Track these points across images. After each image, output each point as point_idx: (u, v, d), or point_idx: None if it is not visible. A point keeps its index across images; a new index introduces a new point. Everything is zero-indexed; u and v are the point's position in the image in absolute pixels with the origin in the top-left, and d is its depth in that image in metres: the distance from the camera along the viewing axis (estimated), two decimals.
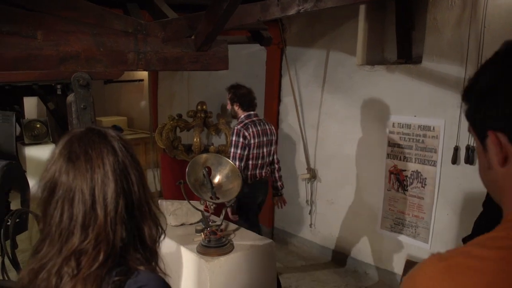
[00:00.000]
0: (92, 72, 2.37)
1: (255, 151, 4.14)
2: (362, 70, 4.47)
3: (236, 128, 4.09)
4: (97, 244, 1.08)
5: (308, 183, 5.20)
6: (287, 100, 5.42)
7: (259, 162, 4.21)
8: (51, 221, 1.11)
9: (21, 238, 2.82)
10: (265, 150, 4.25)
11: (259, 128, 4.19)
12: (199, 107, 5.92)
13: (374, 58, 4.53)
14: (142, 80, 8.48)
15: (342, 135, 4.77)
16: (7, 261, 2.80)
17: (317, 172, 5.14)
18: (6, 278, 2.66)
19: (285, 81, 5.40)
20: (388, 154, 4.29)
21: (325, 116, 4.95)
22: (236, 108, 4.25)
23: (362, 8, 4.39)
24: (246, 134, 4.06)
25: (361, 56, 4.52)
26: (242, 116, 4.22)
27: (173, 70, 2.85)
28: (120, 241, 1.11)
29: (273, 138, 4.36)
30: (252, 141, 4.08)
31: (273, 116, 5.58)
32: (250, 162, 4.15)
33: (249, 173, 4.15)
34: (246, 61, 5.80)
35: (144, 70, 2.69)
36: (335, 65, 4.80)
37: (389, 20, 4.37)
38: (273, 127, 4.40)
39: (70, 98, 2.35)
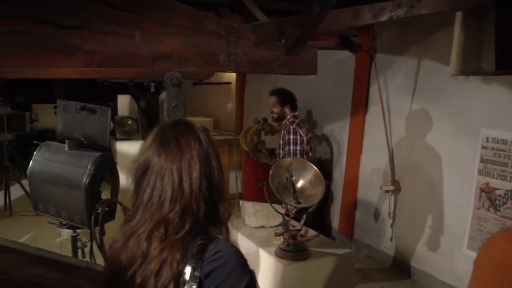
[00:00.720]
0: (184, 72, 2.45)
1: (306, 147, 4.60)
2: (456, 80, 4.25)
3: (292, 127, 4.55)
4: (183, 215, 1.26)
5: (391, 195, 5.04)
6: (374, 109, 5.29)
7: (305, 157, 4.54)
8: (144, 195, 1.30)
9: (108, 226, 2.97)
10: (309, 146, 4.71)
11: (306, 126, 4.68)
12: None
13: (469, 68, 4.28)
14: (229, 83, 8.65)
15: (431, 148, 4.58)
16: (95, 246, 2.97)
17: (401, 184, 4.96)
18: (93, 262, 2.81)
19: (373, 90, 5.27)
20: (479, 171, 4.05)
21: (414, 127, 4.77)
22: (286, 109, 4.74)
23: (459, 15, 4.18)
24: (301, 132, 4.54)
25: (455, 66, 4.29)
26: (290, 116, 4.72)
27: (262, 73, 2.89)
28: (202, 215, 1.28)
29: (311, 136, 4.85)
30: (305, 138, 4.56)
31: (359, 124, 5.47)
32: (304, 157, 4.54)
33: None
34: (333, 67, 5.74)
35: (234, 71, 2.74)
36: (426, 74, 4.62)
37: (488, 28, 4.11)
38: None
39: (163, 96, 2.44)
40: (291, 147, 4.49)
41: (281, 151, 4.77)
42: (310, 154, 4.76)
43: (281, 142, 4.72)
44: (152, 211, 1.27)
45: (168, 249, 1.22)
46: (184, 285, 1.19)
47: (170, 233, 1.24)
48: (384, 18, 3.01)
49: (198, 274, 1.20)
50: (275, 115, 4.94)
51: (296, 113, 4.79)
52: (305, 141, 4.56)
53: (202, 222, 1.28)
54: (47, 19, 2.23)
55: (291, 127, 4.56)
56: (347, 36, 4.17)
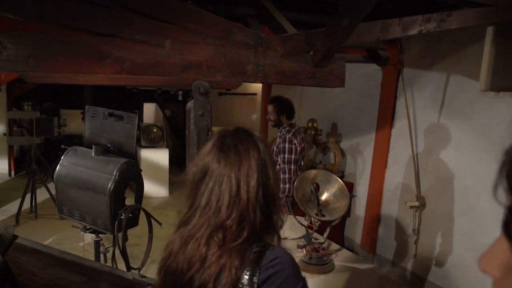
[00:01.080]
0: (212, 81, 2.47)
1: (298, 157, 4.70)
2: (485, 96, 4.18)
3: (287, 136, 4.65)
4: (240, 222, 1.30)
5: (416, 211, 4.96)
6: (400, 124, 5.24)
7: (296, 167, 4.68)
8: (201, 199, 1.35)
9: (130, 232, 2.99)
10: (302, 155, 4.82)
11: (301, 136, 4.82)
12: (309, 124, 5.93)
13: (500, 84, 4.20)
14: (255, 94, 8.69)
15: (458, 164, 4.50)
16: (117, 252, 2.98)
17: (426, 200, 4.88)
18: (115, 267, 2.82)
19: (399, 104, 5.22)
20: None
21: (441, 143, 4.70)
22: (282, 118, 4.81)
23: (490, 30, 4.12)
24: (295, 141, 4.65)
25: (485, 81, 4.22)
26: (286, 124, 4.80)
27: (290, 84, 2.89)
28: (259, 223, 1.31)
29: (305, 145, 4.96)
30: (298, 148, 4.66)
31: (385, 138, 5.42)
32: (296, 165, 4.69)
33: (287, 176, 4.62)
34: (360, 80, 5.71)
35: (262, 82, 2.74)
36: (455, 89, 4.56)
37: None
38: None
39: (190, 104, 2.46)
40: (286, 155, 4.61)
41: (274, 157, 4.81)
42: (302, 163, 4.89)
43: (276, 149, 4.82)
44: (209, 216, 1.32)
45: (226, 255, 1.26)
46: None
47: (228, 239, 1.29)
48: (414, 32, 2.98)
49: (256, 280, 1.25)
50: (272, 123, 5.03)
51: (293, 121, 4.91)
52: (298, 150, 4.68)
53: (258, 230, 1.32)
54: (80, 26, 2.27)
55: (287, 136, 4.68)
56: (375, 50, 4.16)
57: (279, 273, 1.27)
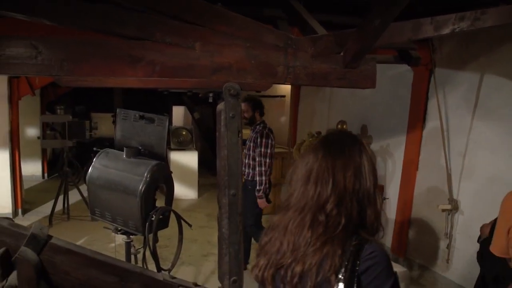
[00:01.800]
0: (242, 83, 2.47)
1: (273, 152, 5.03)
2: None
3: (265, 131, 4.98)
4: (339, 207, 1.40)
5: (448, 214, 4.86)
6: (432, 125, 5.14)
7: (271, 161, 5.00)
8: (302, 185, 1.47)
9: (161, 234, 3.01)
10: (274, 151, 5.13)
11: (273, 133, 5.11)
12: (339, 126, 5.89)
13: None
14: (284, 96, 8.67)
15: (493, 166, 4.38)
16: (147, 253, 3.01)
17: (459, 203, 4.78)
18: (146, 268, 2.84)
19: (431, 105, 5.13)
20: None
21: (474, 145, 4.59)
22: (256, 114, 5.13)
23: None
24: (272, 136, 5.01)
25: None
26: (260, 121, 5.14)
27: (320, 85, 2.86)
28: (355, 214, 1.41)
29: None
30: (273, 142, 5.03)
31: (416, 140, 5.33)
32: (271, 160, 5.00)
33: (263, 169, 4.91)
34: (390, 81, 5.64)
35: (292, 84, 2.73)
36: (489, 89, 4.45)
37: None
38: None
39: (220, 106, 2.46)
40: (263, 149, 4.87)
41: (251, 152, 5.03)
42: (273, 160, 5.12)
43: (252, 144, 5.02)
44: (309, 198, 1.43)
45: (329, 244, 1.37)
46: (344, 279, 1.34)
47: (329, 225, 1.39)
48: (447, 31, 2.92)
49: (357, 270, 1.34)
50: (246, 121, 5.20)
51: (263, 118, 5.21)
52: (274, 145, 5.01)
53: (355, 221, 1.41)
54: (113, 30, 2.30)
55: (264, 131, 4.98)
56: (406, 50, 4.09)
57: (376, 265, 1.35)
